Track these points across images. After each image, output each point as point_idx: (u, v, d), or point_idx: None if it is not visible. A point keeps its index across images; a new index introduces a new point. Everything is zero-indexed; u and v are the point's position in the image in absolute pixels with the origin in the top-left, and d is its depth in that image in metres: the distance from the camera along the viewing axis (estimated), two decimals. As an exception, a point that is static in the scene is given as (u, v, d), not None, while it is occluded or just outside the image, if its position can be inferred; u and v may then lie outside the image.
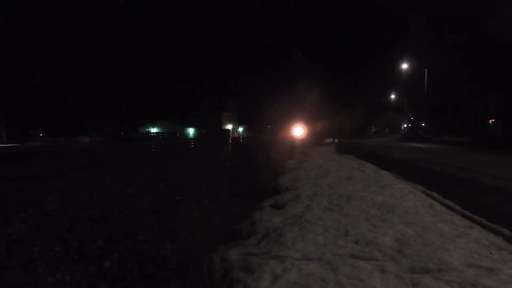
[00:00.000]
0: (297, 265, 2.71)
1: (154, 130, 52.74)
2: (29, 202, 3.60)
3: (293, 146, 20.82)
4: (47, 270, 2.26)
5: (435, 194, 5.25)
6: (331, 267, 2.63)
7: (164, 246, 3.01)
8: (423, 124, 41.96)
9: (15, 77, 43.49)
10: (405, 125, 53.68)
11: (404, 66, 37.64)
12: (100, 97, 52.26)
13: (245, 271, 2.77)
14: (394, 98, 54.31)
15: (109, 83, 54.19)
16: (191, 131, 56.09)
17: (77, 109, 50.81)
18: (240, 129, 67.60)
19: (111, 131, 43.95)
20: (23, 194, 3.92)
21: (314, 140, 30.55)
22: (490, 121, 31.51)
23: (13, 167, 7.47)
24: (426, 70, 32.05)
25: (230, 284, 2.62)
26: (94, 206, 3.65)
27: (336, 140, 33.39)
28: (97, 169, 6.37)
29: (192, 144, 19.27)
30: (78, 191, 4.28)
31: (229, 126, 63.34)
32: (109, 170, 6.30)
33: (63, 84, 53.63)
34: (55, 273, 2.24)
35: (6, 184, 4.53)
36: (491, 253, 2.84)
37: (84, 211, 3.44)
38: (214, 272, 2.89)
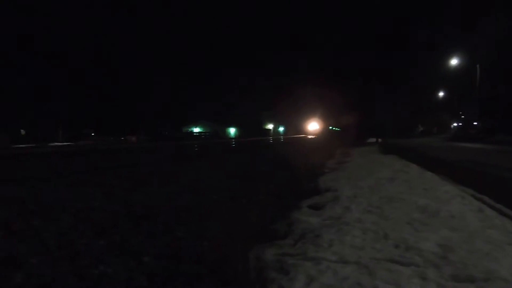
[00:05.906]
0: (332, 267, 2.66)
1: (196, 129, 54.19)
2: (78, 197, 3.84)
3: (334, 146, 20.47)
4: (91, 262, 2.40)
5: (485, 198, 4.92)
6: (368, 271, 2.55)
7: (200, 244, 3.07)
8: (475, 123, 39.39)
9: (71, 80, 46.49)
10: (455, 124, 50.80)
11: (454, 62, 35.59)
12: (149, 97, 54.39)
13: (279, 271, 2.77)
14: (443, 95, 51.39)
15: (158, 83, 56.51)
16: (232, 130, 56.95)
17: (126, 109, 53.18)
18: (281, 129, 67.46)
19: (156, 131, 46.07)
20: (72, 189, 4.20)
21: (357, 139, 29.91)
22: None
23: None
24: (478, 66, 30.10)
25: (264, 283, 2.63)
26: (135, 203, 3.82)
27: (379, 140, 32.42)
28: (139, 168, 6.66)
29: (233, 144, 19.56)
30: (122, 187, 4.50)
31: (270, 126, 63.49)
32: (151, 169, 6.57)
33: (112, 84, 56.32)
34: (98, 266, 2.37)
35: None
36: (546, 263, 2.61)
37: (127, 208, 3.61)
38: (249, 271, 2.91)
